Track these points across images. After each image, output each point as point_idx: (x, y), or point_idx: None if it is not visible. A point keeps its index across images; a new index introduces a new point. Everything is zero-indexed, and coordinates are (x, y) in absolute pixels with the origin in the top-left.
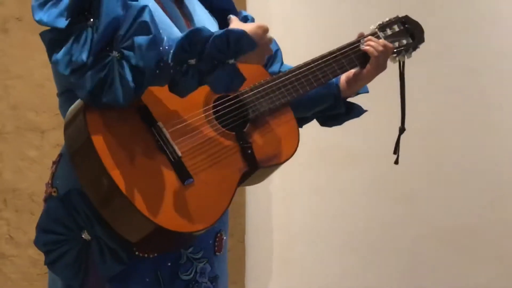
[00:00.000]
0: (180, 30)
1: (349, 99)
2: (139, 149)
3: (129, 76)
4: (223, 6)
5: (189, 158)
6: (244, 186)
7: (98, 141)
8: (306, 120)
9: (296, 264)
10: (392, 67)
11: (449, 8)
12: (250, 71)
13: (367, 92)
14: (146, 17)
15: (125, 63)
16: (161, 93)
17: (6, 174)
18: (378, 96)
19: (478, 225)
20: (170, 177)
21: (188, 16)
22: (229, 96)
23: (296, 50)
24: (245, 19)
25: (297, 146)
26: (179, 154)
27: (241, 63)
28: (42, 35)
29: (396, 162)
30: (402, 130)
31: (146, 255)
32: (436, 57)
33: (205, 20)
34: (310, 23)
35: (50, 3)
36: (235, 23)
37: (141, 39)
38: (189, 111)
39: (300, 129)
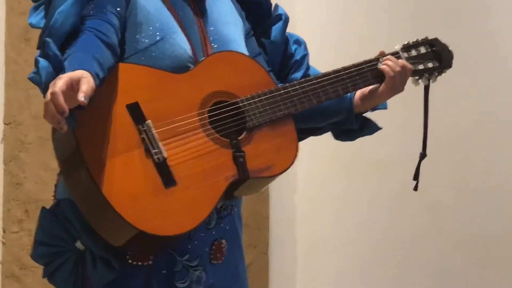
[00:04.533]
0: (189, 29)
1: (365, 114)
2: (124, 147)
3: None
4: (257, 0)
5: (176, 161)
6: (237, 195)
7: (83, 138)
8: (320, 130)
9: (320, 276)
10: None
11: (471, 20)
12: (255, 78)
13: (386, 108)
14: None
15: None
16: (157, 90)
17: (29, 184)
18: (402, 103)
19: (506, 236)
20: (153, 178)
21: (203, 14)
22: (228, 101)
23: (320, 54)
24: (278, 17)
25: (294, 159)
26: (165, 155)
27: None
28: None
29: (415, 188)
30: (423, 155)
31: (140, 263)
32: (463, 64)
33: (222, 18)
34: (334, 32)
35: (41, 7)
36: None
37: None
38: (184, 112)
39: (319, 137)
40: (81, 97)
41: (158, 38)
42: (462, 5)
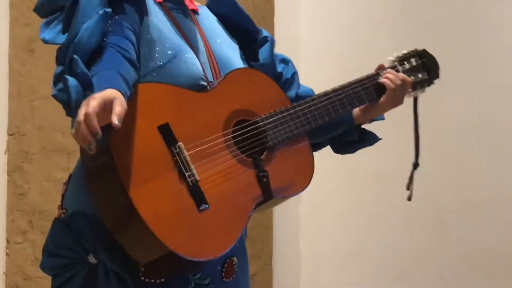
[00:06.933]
0: (196, 48)
1: (364, 126)
2: (159, 169)
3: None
4: (244, 26)
5: (207, 184)
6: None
7: (119, 159)
8: (319, 145)
9: (323, 286)
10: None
11: (475, 27)
12: (271, 95)
13: (383, 119)
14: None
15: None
16: (182, 110)
17: (33, 195)
18: (405, 115)
19: (508, 249)
20: (186, 201)
21: (205, 33)
22: (249, 121)
23: (323, 71)
24: (264, 39)
25: (311, 179)
26: (198, 178)
27: None
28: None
29: (409, 198)
30: (415, 165)
31: (152, 281)
32: (466, 74)
33: (221, 38)
34: (337, 45)
35: (55, 22)
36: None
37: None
38: (210, 133)
39: (323, 149)
40: (115, 120)
41: (171, 56)
42: (467, 13)
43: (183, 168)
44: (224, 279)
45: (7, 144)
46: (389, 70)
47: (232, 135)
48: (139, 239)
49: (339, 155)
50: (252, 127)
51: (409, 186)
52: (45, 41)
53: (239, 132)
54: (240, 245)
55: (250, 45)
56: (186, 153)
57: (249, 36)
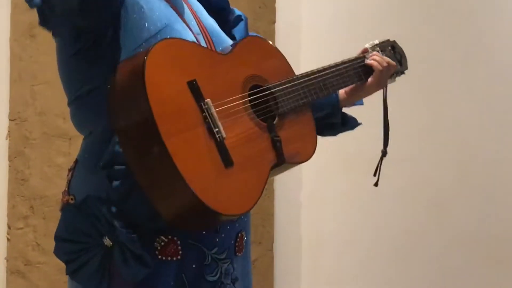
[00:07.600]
0: (186, 16)
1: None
2: (190, 122)
3: None
4: (221, 5)
5: (231, 142)
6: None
7: (156, 109)
8: None
9: (324, 273)
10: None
11: (474, 20)
12: (279, 64)
13: (362, 104)
14: None
15: None
16: (206, 68)
17: (34, 180)
18: (404, 101)
19: (507, 233)
20: (214, 156)
21: (192, 8)
22: (262, 86)
23: (325, 57)
24: (238, 18)
25: (315, 148)
26: (224, 135)
27: None
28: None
29: (376, 184)
30: (384, 153)
31: (169, 258)
32: (468, 62)
33: (208, 18)
34: (339, 32)
35: None
36: None
37: None
38: (231, 93)
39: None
40: None
41: (163, 25)
42: (467, 6)
43: (211, 124)
44: (236, 253)
45: (8, 129)
46: (375, 52)
47: (249, 98)
48: (171, 190)
49: (339, 140)
50: (265, 92)
51: (376, 172)
52: (33, 4)
53: (254, 97)
54: (248, 221)
55: (226, 24)
56: (214, 109)
57: (224, 15)
